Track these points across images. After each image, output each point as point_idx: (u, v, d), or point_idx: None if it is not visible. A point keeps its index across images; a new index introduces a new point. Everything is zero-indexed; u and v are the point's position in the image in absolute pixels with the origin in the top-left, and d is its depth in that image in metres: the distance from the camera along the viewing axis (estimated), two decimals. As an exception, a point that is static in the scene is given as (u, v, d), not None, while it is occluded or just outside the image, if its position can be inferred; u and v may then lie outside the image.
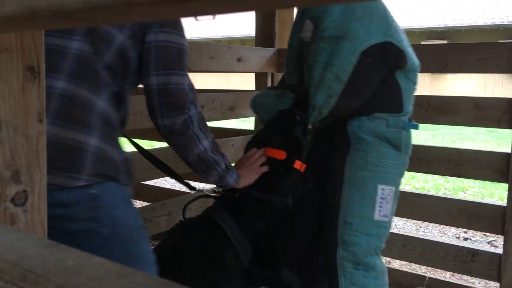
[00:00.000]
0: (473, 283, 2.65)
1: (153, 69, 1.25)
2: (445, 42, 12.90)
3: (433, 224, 3.67)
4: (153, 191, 3.34)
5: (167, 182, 4.45)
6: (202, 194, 1.69)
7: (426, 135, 7.79)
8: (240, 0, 0.30)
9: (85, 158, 1.12)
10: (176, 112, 1.28)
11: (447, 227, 3.61)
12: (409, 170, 2.04)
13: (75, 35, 1.17)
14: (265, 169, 1.63)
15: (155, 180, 3.51)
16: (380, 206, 1.76)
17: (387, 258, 2.77)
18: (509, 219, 2.12)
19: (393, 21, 1.73)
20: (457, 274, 2.67)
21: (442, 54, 2.24)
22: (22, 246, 0.52)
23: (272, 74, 2.85)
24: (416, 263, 2.55)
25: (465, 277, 2.65)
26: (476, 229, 2.34)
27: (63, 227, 1.13)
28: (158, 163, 1.58)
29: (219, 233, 1.53)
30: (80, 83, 1.14)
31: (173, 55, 1.26)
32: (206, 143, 1.37)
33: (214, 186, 1.68)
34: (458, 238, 3.59)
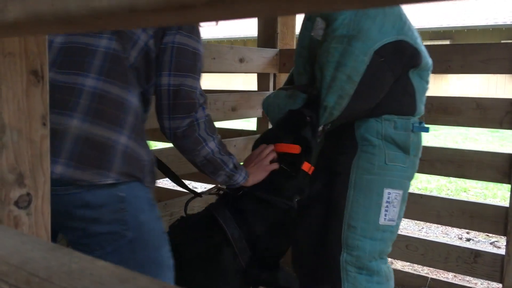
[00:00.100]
0: (476, 284, 2.65)
1: (166, 69, 1.25)
2: (447, 42, 12.87)
3: (436, 225, 3.67)
4: (155, 192, 3.34)
5: (169, 183, 4.46)
6: (204, 191, 1.69)
7: (428, 135, 7.75)
8: (242, 8, 0.30)
9: (114, 156, 1.12)
10: (183, 114, 1.28)
11: (450, 227, 3.61)
12: (412, 171, 2.03)
13: (103, 33, 1.17)
14: (275, 166, 1.60)
15: (157, 181, 3.52)
16: (386, 211, 1.73)
17: (389, 259, 2.76)
18: (511, 220, 2.12)
19: (407, 18, 1.68)
20: (460, 275, 2.66)
21: (445, 54, 2.24)
22: (26, 249, 0.52)
23: (275, 75, 2.85)
24: (418, 264, 2.55)
25: (468, 278, 2.65)
26: (479, 230, 2.34)
27: (88, 229, 1.13)
28: (166, 171, 1.58)
29: (218, 232, 1.53)
30: (111, 81, 1.15)
31: (188, 58, 1.26)
32: (212, 145, 1.37)
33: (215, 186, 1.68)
34: (460, 239, 3.58)
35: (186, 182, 4.70)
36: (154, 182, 1.28)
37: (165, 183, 4.36)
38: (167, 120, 1.29)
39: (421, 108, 1.79)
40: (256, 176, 1.57)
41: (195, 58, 1.28)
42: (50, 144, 1.06)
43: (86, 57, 1.15)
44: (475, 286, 2.61)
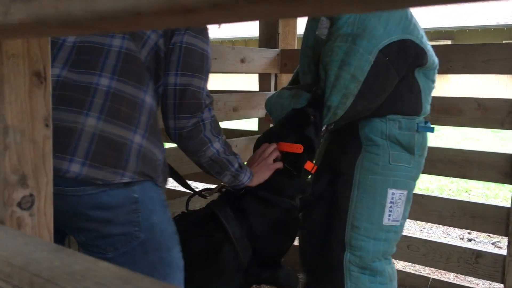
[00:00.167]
0: (477, 284, 2.65)
1: (173, 69, 1.24)
2: (449, 42, 12.87)
3: (437, 225, 3.67)
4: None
5: (170, 183, 4.45)
6: (206, 189, 1.68)
7: (429, 135, 7.73)
8: (244, 11, 0.31)
9: (129, 155, 1.12)
10: (188, 114, 1.27)
11: (451, 228, 3.61)
12: (413, 171, 2.03)
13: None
14: (278, 165, 1.60)
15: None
16: (390, 211, 1.72)
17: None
18: (513, 221, 2.12)
19: (412, 16, 1.67)
20: (461, 275, 2.66)
21: (446, 55, 2.23)
22: (29, 250, 0.53)
23: (276, 75, 2.85)
24: (419, 264, 2.55)
25: (469, 278, 2.65)
26: (480, 230, 2.34)
27: (101, 231, 1.13)
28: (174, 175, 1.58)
29: (219, 230, 1.52)
30: (125, 80, 1.15)
31: (196, 58, 1.26)
32: (218, 145, 1.36)
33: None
34: (462, 239, 3.58)
35: (188, 182, 4.70)
36: (166, 182, 1.28)
37: (166, 183, 4.36)
38: (172, 120, 1.28)
39: (427, 108, 1.77)
40: (261, 175, 1.56)
41: (203, 58, 1.28)
42: (66, 143, 1.07)
43: (99, 56, 1.15)
44: (476, 287, 2.61)
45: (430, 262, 2.41)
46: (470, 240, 3.55)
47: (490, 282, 2.55)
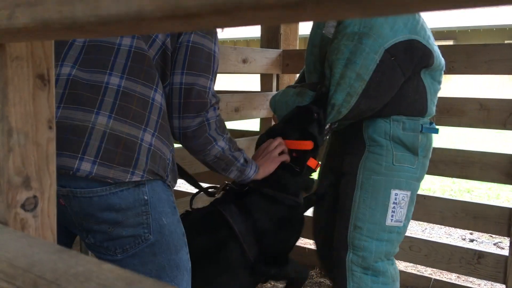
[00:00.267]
0: (479, 285, 2.65)
1: (179, 67, 1.24)
2: (451, 42, 12.85)
3: (439, 226, 3.66)
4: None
5: (172, 183, 4.46)
6: (210, 187, 1.69)
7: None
8: (247, 16, 0.31)
9: (139, 153, 1.12)
10: (193, 114, 1.26)
11: (453, 228, 3.60)
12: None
13: None
14: (284, 157, 1.60)
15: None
16: (393, 212, 1.72)
17: (393, 260, 2.76)
18: (515, 221, 2.11)
19: (420, 17, 1.67)
20: (463, 276, 2.66)
21: (448, 55, 2.23)
22: (33, 252, 0.53)
23: (277, 75, 2.86)
24: (421, 264, 2.55)
25: (471, 279, 2.64)
26: (482, 231, 2.34)
27: (111, 233, 1.13)
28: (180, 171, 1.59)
29: (225, 227, 1.53)
30: (135, 79, 1.15)
31: (203, 57, 1.25)
32: (222, 143, 1.36)
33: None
34: (464, 239, 3.58)
35: (190, 182, 4.65)
36: (176, 182, 1.27)
37: (168, 183, 4.36)
38: (177, 119, 1.27)
39: (432, 109, 1.77)
40: (266, 168, 1.56)
41: (210, 58, 1.27)
42: (76, 142, 1.07)
43: (109, 55, 1.15)
44: (478, 287, 2.61)
45: (432, 263, 2.41)
46: (472, 240, 3.55)
47: (492, 282, 2.55)
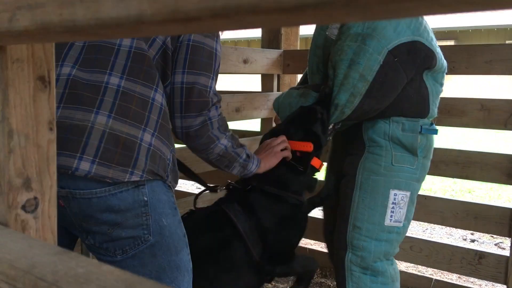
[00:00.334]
0: (480, 285, 2.65)
1: (181, 67, 1.23)
2: (452, 42, 12.83)
3: (440, 226, 3.66)
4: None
5: (173, 183, 4.46)
6: (213, 186, 1.69)
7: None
8: (246, 20, 0.31)
9: (139, 153, 1.12)
10: (195, 113, 1.26)
11: (454, 229, 3.60)
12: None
13: None
14: (287, 153, 1.60)
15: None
16: (392, 212, 1.73)
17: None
18: (516, 222, 2.11)
19: (423, 19, 1.67)
20: (464, 276, 2.66)
21: (449, 55, 2.23)
22: (34, 253, 0.53)
23: (278, 76, 2.86)
24: (422, 265, 2.55)
25: (472, 279, 2.64)
26: (483, 231, 2.33)
27: (111, 234, 1.13)
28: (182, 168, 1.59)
29: (229, 226, 1.53)
30: (134, 80, 1.15)
31: (204, 56, 1.25)
32: (225, 141, 1.36)
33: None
34: (465, 240, 3.58)
35: (190, 182, 4.68)
36: (177, 182, 1.27)
37: (169, 183, 4.36)
38: (179, 118, 1.27)
39: (434, 111, 1.78)
40: (268, 161, 1.56)
41: (211, 56, 1.27)
42: (76, 141, 1.07)
43: (109, 55, 1.15)
44: (479, 288, 2.61)
45: (433, 263, 2.41)
46: (473, 241, 3.55)
47: (493, 283, 2.55)
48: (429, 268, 2.73)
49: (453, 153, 2.30)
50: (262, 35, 2.92)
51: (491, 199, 4.65)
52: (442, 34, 13.78)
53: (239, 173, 1.48)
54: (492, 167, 2.19)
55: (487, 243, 3.49)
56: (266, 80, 2.86)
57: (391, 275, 1.77)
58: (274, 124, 2.82)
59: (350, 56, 1.61)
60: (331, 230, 1.96)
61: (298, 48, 2.90)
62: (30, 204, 0.65)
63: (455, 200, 2.43)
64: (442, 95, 1.88)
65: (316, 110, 1.67)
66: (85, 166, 1.07)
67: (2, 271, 0.51)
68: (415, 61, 1.64)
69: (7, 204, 0.63)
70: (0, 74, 0.59)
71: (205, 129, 1.29)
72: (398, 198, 1.72)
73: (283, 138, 1.62)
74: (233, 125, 3.42)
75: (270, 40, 2.85)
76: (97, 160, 1.08)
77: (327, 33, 1.79)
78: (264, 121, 2.86)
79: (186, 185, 4.37)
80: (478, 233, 3.54)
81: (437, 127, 1.84)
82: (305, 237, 2.49)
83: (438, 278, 2.57)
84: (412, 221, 1.89)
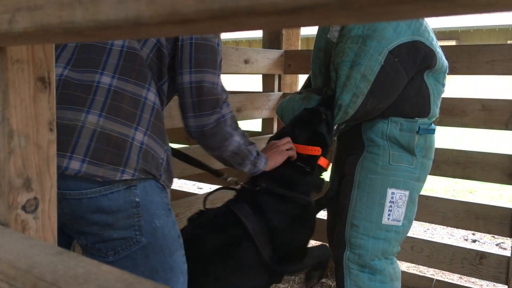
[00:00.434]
0: (481, 285, 2.64)
1: (187, 66, 1.23)
2: (453, 42, 12.82)
3: (441, 226, 3.66)
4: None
5: (175, 183, 4.47)
6: (223, 187, 1.70)
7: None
8: (244, 22, 0.31)
9: (130, 151, 1.11)
10: (208, 111, 1.26)
11: (455, 229, 3.60)
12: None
13: None
14: (291, 152, 1.62)
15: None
16: (390, 210, 1.74)
17: (395, 260, 2.76)
18: (517, 222, 2.11)
19: (423, 19, 1.69)
20: (465, 276, 2.66)
21: (450, 55, 2.23)
22: (33, 253, 0.53)
23: (279, 76, 2.86)
24: (423, 265, 2.55)
25: (473, 279, 2.64)
26: (484, 231, 2.33)
27: (102, 235, 1.13)
28: (184, 157, 1.60)
29: (239, 227, 1.55)
30: (126, 79, 1.15)
31: (208, 52, 1.24)
32: (237, 138, 1.37)
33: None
34: (466, 240, 3.57)
35: (191, 182, 4.68)
36: (171, 182, 1.26)
37: (170, 183, 4.36)
38: (193, 118, 1.27)
39: (436, 111, 1.80)
40: (274, 160, 1.57)
41: (215, 52, 1.26)
42: (67, 141, 1.07)
43: (101, 55, 1.15)
44: (480, 288, 2.61)
45: (434, 263, 2.41)
46: (474, 241, 3.54)
47: (494, 283, 2.55)
48: (430, 268, 2.73)
49: (454, 153, 2.30)
50: (263, 35, 2.93)
51: (492, 199, 4.64)
52: (443, 34, 13.77)
53: (250, 171, 1.50)
54: (494, 167, 2.19)
55: (488, 243, 3.49)
56: (267, 80, 2.86)
57: (389, 274, 1.79)
58: (275, 124, 2.83)
59: (352, 57, 1.64)
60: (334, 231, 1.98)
61: (299, 49, 2.91)
62: (30, 204, 0.65)
63: (456, 200, 2.43)
64: (443, 95, 1.89)
65: (320, 111, 1.70)
66: (75, 165, 1.07)
67: (2, 270, 0.51)
68: (415, 60, 1.66)
69: (7, 204, 0.63)
70: (0, 75, 0.60)
71: (219, 126, 1.29)
72: (396, 197, 1.74)
73: (288, 139, 1.65)
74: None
75: (271, 40, 2.86)
76: (87, 159, 1.07)
77: (328, 36, 1.82)
78: (265, 121, 2.87)
79: (187, 185, 4.38)
80: (479, 233, 3.54)
81: (437, 127, 1.85)
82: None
83: (439, 278, 2.57)
84: (413, 221, 1.90)
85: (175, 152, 1.61)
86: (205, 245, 1.50)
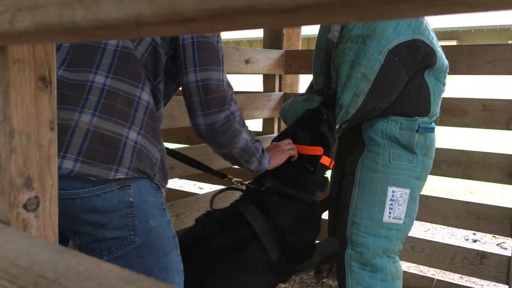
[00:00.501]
0: (482, 285, 2.64)
1: (191, 65, 1.23)
2: (454, 42, 12.82)
3: (442, 226, 3.66)
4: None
5: (175, 183, 4.47)
6: (230, 187, 1.71)
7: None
8: (244, 21, 0.31)
9: (124, 151, 1.11)
10: (217, 109, 1.26)
11: (456, 229, 3.60)
12: (417, 172, 2.04)
13: None
14: (292, 152, 1.64)
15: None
16: (390, 208, 1.76)
17: (395, 260, 2.76)
18: (517, 222, 2.11)
19: (424, 18, 1.70)
20: (466, 276, 2.66)
21: (451, 55, 2.23)
22: (35, 252, 0.54)
23: (280, 76, 2.86)
24: (424, 265, 2.55)
25: (474, 279, 2.64)
26: (485, 231, 2.33)
27: (96, 234, 1.13)
28: (185, 159, 1.61)
29: (246, 227, 1.55)
30: (120, 78, 1.15)
31: (210, 50, 1.24)
32: (246, 135, 1.38)
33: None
34: (467, 240, 3.57)
35: (192, 183, 4.68)
36: (166, 182, 1.26)
37: (171, 183, 4.37)
38: (202, 116, 1.27)
39: (436, 110, 1.81)
40: (276, 158, 1.59)
41: (216, 49, 1.26)
42: (60, 140, 1.07)
43: (95, 54, 1.15)
44: (481, 288, 2.61)
45: (435, 263, 2.41)
46: (475, 241, 3.54)
47: (495, 283, 2.55)
48: (431, 268, 2.73)
49: (455, 153, 2.30)
50: (264, 35, 2.93)
51: (493, 199, 4.64)
52: (444, 34, 13.76)
53: (256, 168, 1.51)
54: (494, 167, 2.19)
55: (489, 243, 3.49)
56: (268, 80, 2.86)
57: (391, 272, 1.79)
58: (276, 124, 2.83)
59: (352, 57, 1.65)
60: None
61: (300, 48, 2.91)
62: (31, 203, 0.65)
63: (457, 200, 2.43)
64: (444, 95, 1.89)
65: (321, 111, 1.72)
66: (68, 164, 1.06)
67: (3, 269, 0.52)
68: (415, 59, 1.67)
69: (9, 203, 0.64)
70: (1, 74, 0.60)
71: (229, 123, 1.30)
72: (397, 195, 1.75)
73: (289, 141, 1.68)
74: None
75: (272, 40, 2.86)
76: (80, 158, 1.07)
77: (329, 36, 1.83)
78: (266, 121, 2.87)
79: (188, 185, 4.38)
80: (480, 233, 3.54)
81: (438, 127, 1.85)
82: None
83: (440, 278, 2.57)
84: (414, 220, 1.90)
85: (181, 155, 1.63)
86: (212, 245, 1.51)
